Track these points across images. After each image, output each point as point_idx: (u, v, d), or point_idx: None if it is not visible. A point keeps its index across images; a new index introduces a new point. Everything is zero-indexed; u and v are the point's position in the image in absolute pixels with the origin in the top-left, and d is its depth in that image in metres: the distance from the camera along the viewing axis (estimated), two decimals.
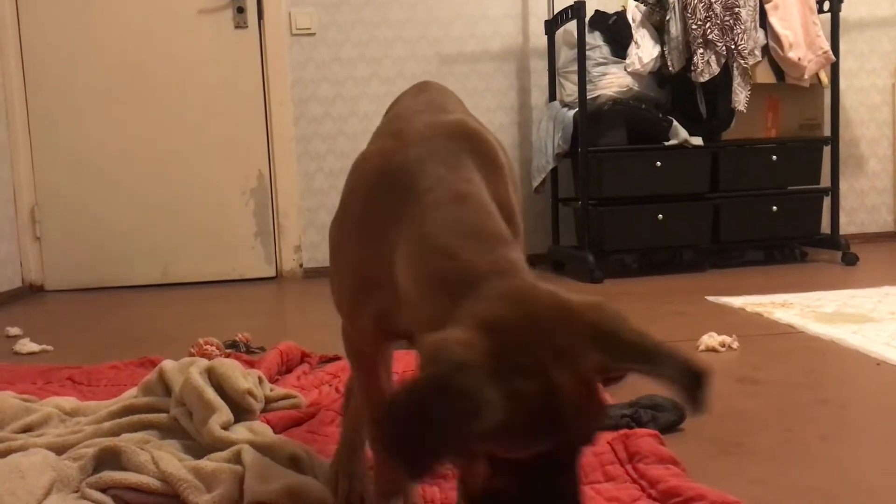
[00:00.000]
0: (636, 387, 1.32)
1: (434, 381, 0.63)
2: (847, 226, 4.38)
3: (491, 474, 0.69)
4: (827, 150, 3.81)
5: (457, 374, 0.63)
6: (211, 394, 1.40)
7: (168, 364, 1.53)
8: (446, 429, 0.61)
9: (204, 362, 1.51)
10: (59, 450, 1.31)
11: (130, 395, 1.56)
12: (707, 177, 3.67)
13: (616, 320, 0.71)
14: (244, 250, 4.04)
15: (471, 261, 0.77)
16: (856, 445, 1.38)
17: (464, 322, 0.69)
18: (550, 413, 0.65)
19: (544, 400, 0.65)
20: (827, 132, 3.83)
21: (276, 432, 1.44)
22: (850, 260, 3.63)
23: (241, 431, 1.38)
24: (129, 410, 1.47)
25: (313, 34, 4.03)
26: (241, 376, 1.49)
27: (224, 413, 1.38)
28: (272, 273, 4.07)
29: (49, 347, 2.47)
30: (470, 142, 0.94)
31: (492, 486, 0.69)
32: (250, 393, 1.46)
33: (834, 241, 3.76)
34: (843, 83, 3.97)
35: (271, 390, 1.64)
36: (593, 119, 3.59)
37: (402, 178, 0.89)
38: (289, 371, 1.98)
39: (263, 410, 1.56)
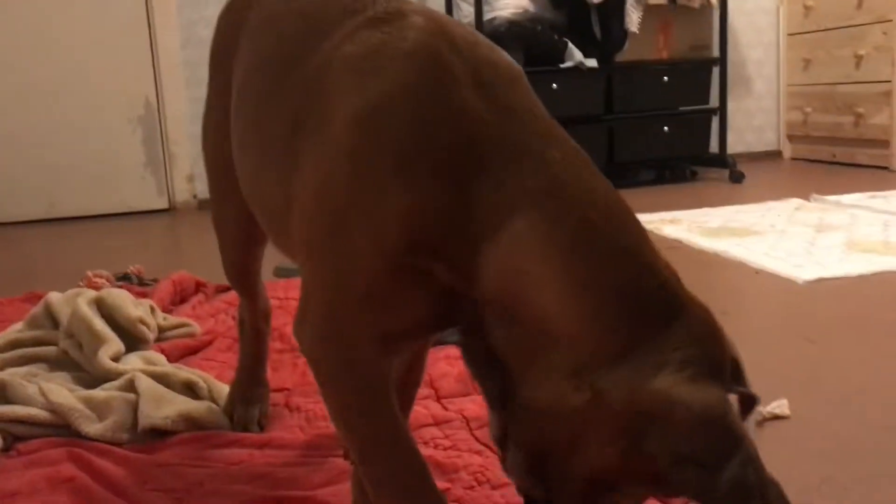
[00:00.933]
0: None
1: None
2: (735, 145, 4.53)
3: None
4: (716, 71, 3.92)
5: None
6: (100, 324, 1.36)
7: (54, 296, 1.48)
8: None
9: (91, 293, 1.46)
10: None
11: (16, 330, 1.50)
12: (602, 99, 3.72)
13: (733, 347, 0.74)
14: (133, 181, 3.89)
15: (669, 279, 0.66)
16: (737, 346, 1.46)
17: (704, 371, 0.65)
18: None
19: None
20: (716, 53, 3.93)
21: (170, 361, 1.42)
22: (737, 178, 3.77)
23: (134, 361, 1.36)
24: (14, 345, 1.42)
25: None
26: (132, 305, 1.45)
27: (114, 344, 1.35)
28: (164, 205, 3.94)
29: None
30: (496, 51, 0.77)
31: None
32: (142, 321, 1.43)
33: (722, 160, 3.90)
34: (732, 5, 4.05)
35: (164, 319, 1.61)
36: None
37: (484, 132, 0.67)
38: (184, 301, 1.93)
39: (157, 340, 1.53)
